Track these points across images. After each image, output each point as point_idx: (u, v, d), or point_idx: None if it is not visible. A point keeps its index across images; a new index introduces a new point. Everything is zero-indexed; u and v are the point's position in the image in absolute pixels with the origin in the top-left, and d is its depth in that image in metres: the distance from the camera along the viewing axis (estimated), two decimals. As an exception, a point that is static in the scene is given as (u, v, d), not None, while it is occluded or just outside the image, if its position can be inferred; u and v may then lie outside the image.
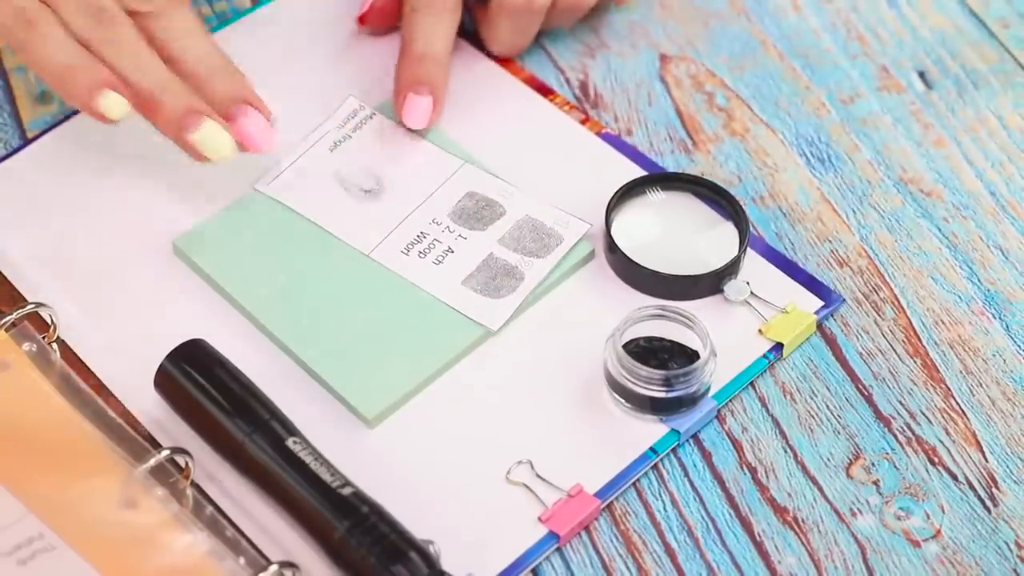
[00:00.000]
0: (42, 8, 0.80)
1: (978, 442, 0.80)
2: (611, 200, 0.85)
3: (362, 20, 0.92)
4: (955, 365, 0.82)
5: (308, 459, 0.75)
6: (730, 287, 0.83)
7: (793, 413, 0.81)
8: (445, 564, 0.74)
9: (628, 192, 0.85)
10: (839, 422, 0.80)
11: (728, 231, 0.85)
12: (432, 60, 0.87)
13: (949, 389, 0.81)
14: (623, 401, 0.79)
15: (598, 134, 0.90)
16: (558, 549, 0.77)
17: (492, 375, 0.81)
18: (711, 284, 0.83)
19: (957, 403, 0.81)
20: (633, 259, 0.83)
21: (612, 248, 0.83)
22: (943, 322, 0.84)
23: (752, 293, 0.83)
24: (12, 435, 0.77)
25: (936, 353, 0.83)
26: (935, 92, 0.93)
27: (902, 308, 0.84)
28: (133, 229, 0.86)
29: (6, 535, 0.74)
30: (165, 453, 0.76)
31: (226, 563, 0.73)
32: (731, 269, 0.83)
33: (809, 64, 0.94)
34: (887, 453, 0.79)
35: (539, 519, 0.77)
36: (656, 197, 0.86)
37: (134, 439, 0.77)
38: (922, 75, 0.93)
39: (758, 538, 0.77)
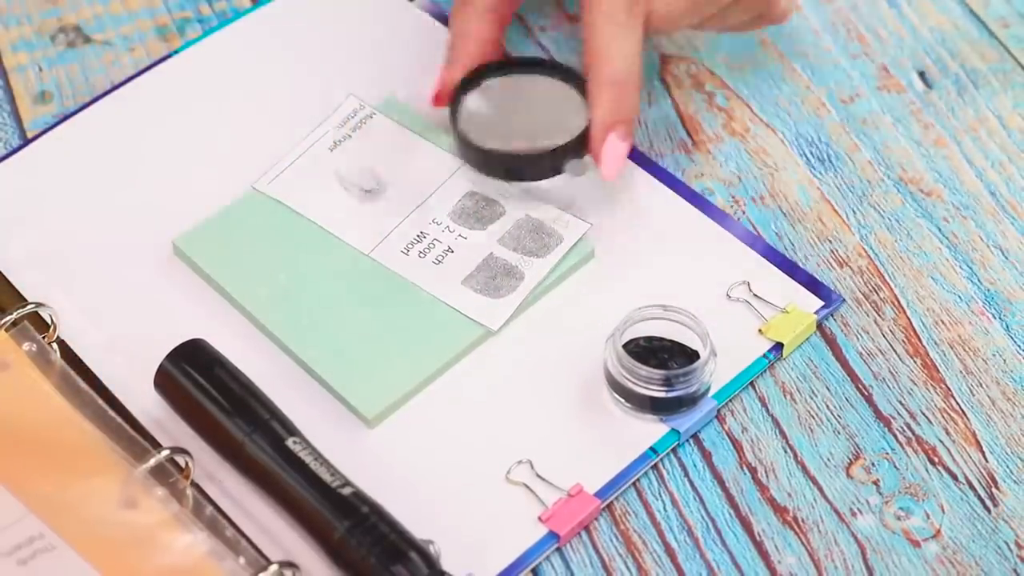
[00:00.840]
0: None
1: (978, 442, 0.80)
2: (459, 86, 0.85)
3: (439, 101, 0.87)
4: (955, 365, 0.82)
5: (308, 459, 0.75)
6: (570, 166, 0.83)
7: (793, 413, 0.81)
8: (445, 564, 0.74)
9: (477, 79, 0.86)
10: (839, 422, 0.80)
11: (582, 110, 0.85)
12: (634, 83, 0.83)
13: (949, 389, 0.81)
14: (623, 401, 0.79)
15: (598, 134, 0.90)
16: (558, 549, 0.77)
17: (492, 375, 0.81)
18: (553, 163, 0.83)
19: (957, 403, 0.81)
20: (471, 139, 0.83)
21: (456, 132, 0.84)
22: (943, 322, 0.84)
23: (753, 293, 0.83)
24: (12, 435, 0.77)
25: (936, 353, 0.83)
26: (935, 92, 0.93)
27: (902, 308, 0.84)
28: (133, 229, 0.86)
29: (6, 535, 0.74)
30: (165, 453, 0.76)
31: (226, 563, 0.73)
32: (573, 148, 0.83)
33: (809, 64, 0.94)
34: (887, 453, 0.79)
35: (539, 519, 0.77)
36: (509, 81, 0.87)
37: (134, 439, 0.77)
38: (922, 75, 0.93)
39: (758, 538, 0.77)
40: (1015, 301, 0.84)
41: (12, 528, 0.74)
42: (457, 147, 0.85)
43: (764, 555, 0.77)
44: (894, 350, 0.83)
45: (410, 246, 0.84)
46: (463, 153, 0.85)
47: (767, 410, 0.81)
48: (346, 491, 0.74)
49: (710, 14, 0.84)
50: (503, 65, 0.87)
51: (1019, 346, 0.83)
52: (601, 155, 0.83)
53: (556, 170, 0.84)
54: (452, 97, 0.86)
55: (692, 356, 0.80)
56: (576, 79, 0.86)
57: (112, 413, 0.78)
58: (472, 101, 0.86)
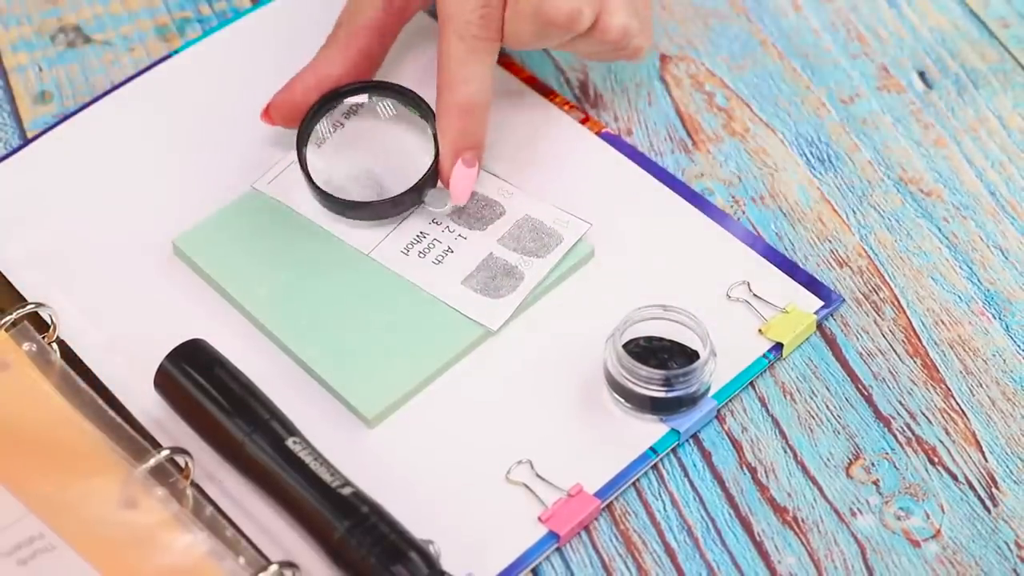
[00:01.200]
0: None
1: (978, 442, 0.80)
2: (309, 114, 0.85)
3: (266, 115, 0.87)
4: (955, 365, 0.82)
5: (308, 459, 0.75)
6: (430, 197, 0.83)
7: (793, 413, 0.81)
8: (445, 564, 0.74)
9: (326, 107, 0.86)
10: (839, 422, 0.80)
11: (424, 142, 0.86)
12: (482, 109, 0.83)
13: (949, 389, 0.81)
14: (623, 401, 0.79)
15: (598, 134, 0.90)
16: (558, 549, 0.77)
17: (492, 375, 0.81)
18: (412, 199, 0.84)
19: (957, 403, 0.81)
20: (328, 191, 0.84)
21: (311, 181, 0.84)
22: (943, 322, 0.84)
23: (753, 293, 0.83)
24: (12, 435, 0.77)
25: (936, 353, 0.83)
26: (935, 92, 0.93)
27: (902, 308, 0.84)
28: (133, 229, 0.86)
29: (6, 535, 0.74)
30: (165, 453, 0.76)
31: (226, 563, 0.73)
32: (429, 180, 0.83)
33: (809, 64, 0.94)
34: (887, 453, 0.79)
35: (539, 519, 0.77)
36: (361, 108, 0.87)
37: (134, 439, 0.77)
38: (922, 75, 0.93)
39: (758, 538, 0.77)
40: (1015, 301, 0.84)
41: (12, 528, 0.74)
42: (307, 184, 0.84)
43: (764, 555, 0.77)
44: (894, 350, 0.83)
45: (410, 246, 0.84)
46: (312, 191, 0.84)
47: (767, 410, 0.81)
48: (346, 491, 0.74)
49: (559, 42, 0.83)
50: (355, 90, 0.86)
51: (1019, 346, 0.83)
52: (450, 183, 0.83)
53: (416, 203, 0.84)
54: (301, 126, 0.85)
55: (692, 356, 0.80)
56: (425, 106, 0.85)
57: (112, 413, 0.78)
58: (320, 136, 0.86)
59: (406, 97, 0.86)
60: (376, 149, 0.86)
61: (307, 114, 0.85)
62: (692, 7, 0.96)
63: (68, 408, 0.78)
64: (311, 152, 0.85)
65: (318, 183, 0.84)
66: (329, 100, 0.86)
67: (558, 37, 0.83)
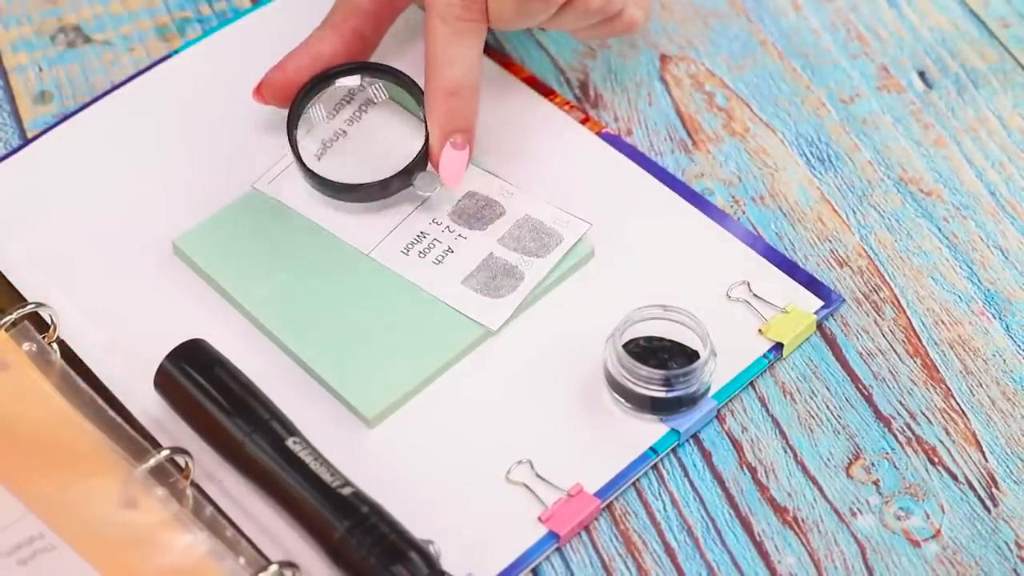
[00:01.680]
0: None
1: (978, 442, 0.80)
2: (300, 94, 0.85)
3: (258, 93, 0.87)
4: (955, 365, 0.82)
5: (308, 459, 0.75)
6: (419, 181, 0.83)
7: (793, 413, 0.81)
8: (445, 564, 0.74)
9: (317, 88, 0.86)
10: (839, 422, 0.80)
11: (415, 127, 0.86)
12: (470, 91, 0.83)
13: (949, 389, 0.81)
14: (623, 401, 0.79)
15: (598, 134, 0.90)
16: (558, 549, 0.77)
17: (492, 375, 0.81)
18: (401, 182, 0.84)
19: (957, 403, 0.81)
20: (318, 172, 0.84)
21: (301, 163, 0.84)
22: (943, 322, 0.84)
23: (753, 293, 0.83)
24: (12, 435, 0.77)
25: (936, 353, 0.83)
26: (935, 92, 0.93)
27: (902, 308, 0.84)
28: (133, 229, 0.86)
29: (6, 535, 0.74)
30: (165, 453, 0.76)
31: (226, 563, 0.73)
32: (418, 163, 0.83)
33: (809, 64, 0.94)
34: (887, 453, 0.79)
35: (539, 519, 0.77)
36: (355, 89, 0.87)
37: (134, 439, 0.77)
38: (922, 75, 0.93)
39: (758, 538, 0.77)
40: (1015, 301, 0.84)
41: (12, 528, 0.74)
42: (297, 166, 0.85)
43: (764, 555, 0.77)
44: (894, 350, 0.83)
45: (410, 246, 0.84)
46: (302, 173, 0.84)
47: (767, 410, 0.81)
48: (346, 491, 0.74)
49: (543, 17, 0.83)
50: (348, 71, 0.86)
51: (1019, 346, 0.83)
52: (439, 166, 0.83)
53: (406, 185, 0.84)
54: (292, 105, 0.85)
55: (692, 356, 0.80)
56: (419, 89, 0.85)
57: (112, 413, 0.78)
58: (313, 118, 0.86)
59: (400, 79, 0.86)
60: (371, 133, 0.86)
61: (299, 94, 0.85)
62: (692, 7, 0.96)
63: (68, 408, 0.78)
64: (311, 143, 0.85)
65: (315, 170, 0.84)
66: (321, 80, 0.86)
67: (541, 11, 0.82)
